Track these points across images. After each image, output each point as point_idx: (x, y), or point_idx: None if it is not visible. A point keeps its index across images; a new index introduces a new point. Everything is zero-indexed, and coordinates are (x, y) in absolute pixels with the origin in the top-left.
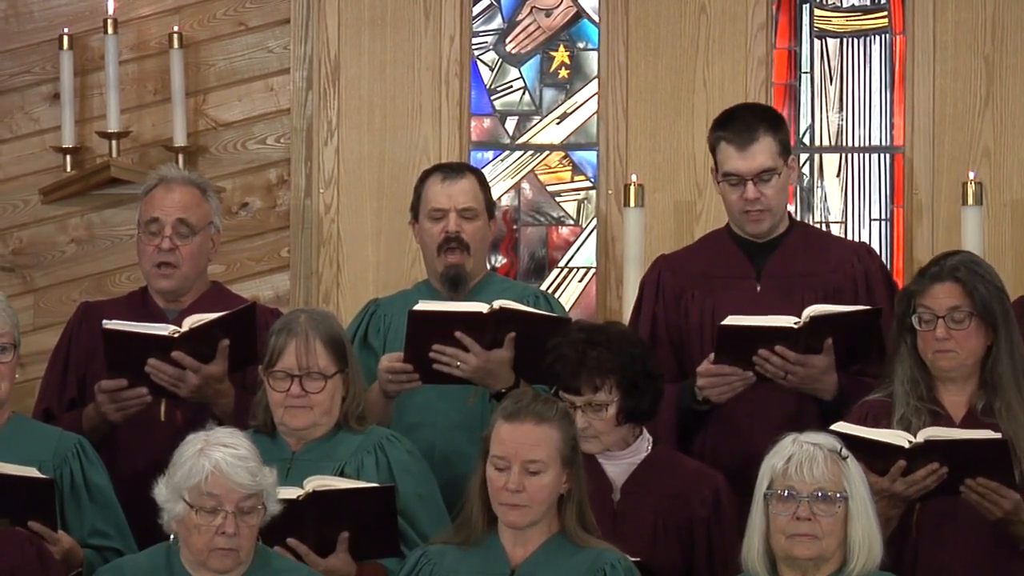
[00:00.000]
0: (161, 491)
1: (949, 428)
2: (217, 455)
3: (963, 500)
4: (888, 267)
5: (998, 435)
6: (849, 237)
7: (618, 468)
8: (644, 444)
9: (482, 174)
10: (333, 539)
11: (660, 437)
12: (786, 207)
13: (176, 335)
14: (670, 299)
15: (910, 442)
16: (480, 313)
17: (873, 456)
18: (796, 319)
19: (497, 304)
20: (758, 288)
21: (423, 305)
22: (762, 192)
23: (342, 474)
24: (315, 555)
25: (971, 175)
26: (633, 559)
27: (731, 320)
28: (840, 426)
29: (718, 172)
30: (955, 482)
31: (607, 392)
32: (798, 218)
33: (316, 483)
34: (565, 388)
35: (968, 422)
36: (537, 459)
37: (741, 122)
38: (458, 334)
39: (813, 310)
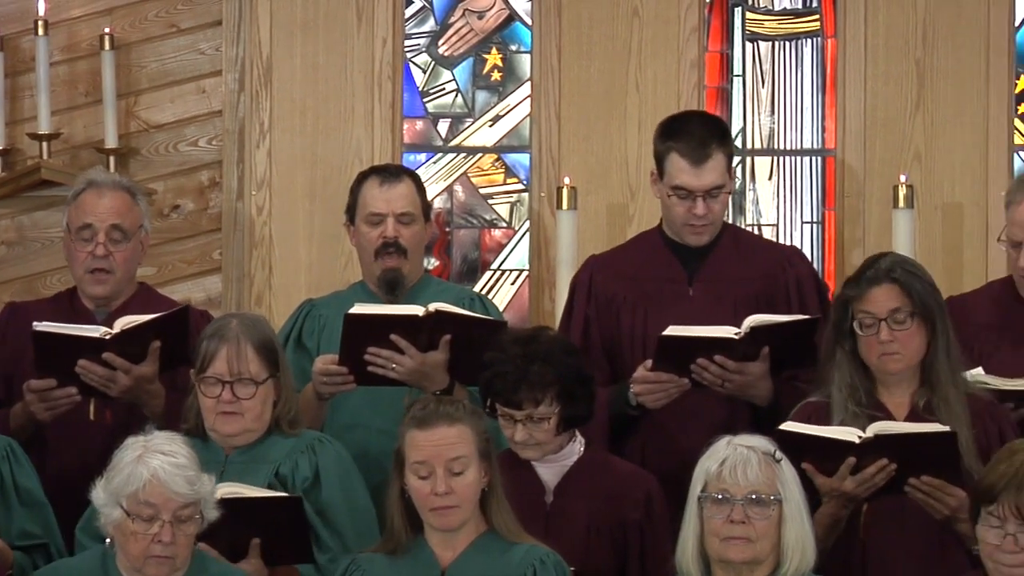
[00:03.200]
0: (99, 495)
1: (898, 422)
2: (155, 463)
3: (909, 498)
4: (819, 270)
5: (946, 428)
6: (781, 240)
7: (551, 470)
8: (576, 447)
9: (419, 177)
10: (246, 545)
11: (592, 440)
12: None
13: (108, 337)
14: (602, 301)
15: (860, 437)
16: (416, 316)
17: (821, 455)
18: (737, 329)
19: (433, 307)
20: (691, 292)
21: (359, 308)
22: (710, 208)
23: (276, 475)
24: (226, 560)
25: (902, 178)
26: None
27: (672, 331)
28: (789, 425)
29: (662, 180)
30: (901, 480)
31: (548, 404)
32: (729, 220)
33: (225, 490)
34: (505, 403)
35: (911, 421)
36: (459, 455)
37: (695, 137)
38: (393, 337)
39: (753, 320)
